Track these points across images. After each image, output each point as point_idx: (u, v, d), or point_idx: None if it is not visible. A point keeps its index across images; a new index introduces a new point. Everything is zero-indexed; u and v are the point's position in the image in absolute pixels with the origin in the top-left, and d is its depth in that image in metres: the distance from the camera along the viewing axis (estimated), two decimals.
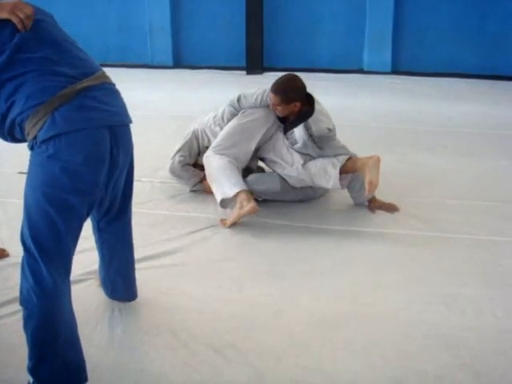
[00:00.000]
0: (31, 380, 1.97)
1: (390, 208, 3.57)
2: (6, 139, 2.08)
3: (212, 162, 3.50)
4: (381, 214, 3.51)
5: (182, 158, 3.81)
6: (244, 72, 7.72)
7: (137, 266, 2.51)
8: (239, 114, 3.63)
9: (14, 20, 1.91)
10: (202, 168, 3.80)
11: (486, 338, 2.39)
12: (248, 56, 7.71)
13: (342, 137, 3.68)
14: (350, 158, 3.45)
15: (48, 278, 1.91)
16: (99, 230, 2.34)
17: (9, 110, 1.92)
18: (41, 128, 1.87)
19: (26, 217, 1.93)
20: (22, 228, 1.95)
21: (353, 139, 3.90)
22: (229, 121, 3.66)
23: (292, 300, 2.63)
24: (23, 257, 1.95)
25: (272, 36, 7.72)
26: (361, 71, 7.58)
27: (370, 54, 7.57)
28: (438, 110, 5.94)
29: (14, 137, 2.03)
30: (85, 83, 1.94)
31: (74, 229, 1.98)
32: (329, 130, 3.53)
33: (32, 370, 1.97)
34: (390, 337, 2.38)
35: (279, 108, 3.50)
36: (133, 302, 2.53)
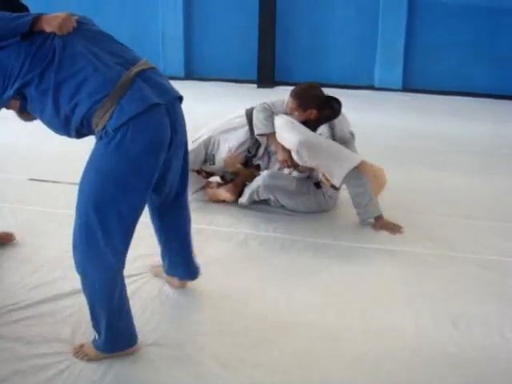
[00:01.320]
0: (96, 335, 2.25)
1: (394, 230, 3.51)
2: (70, 136, 2.22)
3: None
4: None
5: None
6: (255, 85, 7.74)
7: (141, 275, 2.52)
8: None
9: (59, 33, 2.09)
10: (206, 175, 3.85)
11: (494, 358, 2.38)
12: (259, 69, 7.73)
13: None
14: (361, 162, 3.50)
15: (108, 255, 2.12)
16: (160, 215, 2.48)
17: (73, 110, 2.07)
18: (110, 118, 2.03)
19: (90, 198, 2.09)
20: (85, 205, 2.10)
21: (363, 155, 3.90)
22: (262, 120, 3.67)
23: (300, 314, 2.63)
24: (82, 232, 2.12)
25: (284, 50, 7.74)
26: (371, 87, 7.59)
27: (381, 71, 7.58)
28: (449, 128, 5.93)
29: (80, 133, 2.19)
30: (135, 69, 2.11)
31: (135, 210, 2.14)
32: (351, 134, 3.67)
33: (95, 327, 2.24)
34: (398, 353, 2.37)
35: (296, 113, 3.60)
36: (138, 315, 2.51)
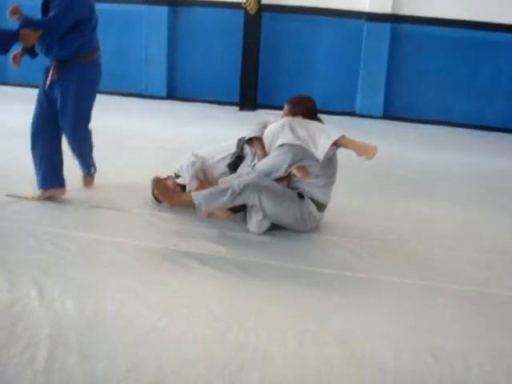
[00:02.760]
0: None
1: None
2: (53, 38, 3.83)
3: None
4: (373, 260, 3.50)
5: (194, 159, 3.98)
6: (237, 108, 7.77)
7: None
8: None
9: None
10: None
11: None
12: (242, 92, 7.77)
13: None
14: (343, 136, 3.61)
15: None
16: None
17: (75, 33, 3.92)
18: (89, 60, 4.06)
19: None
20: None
21: (340, 182, 3.92)
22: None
23: (280, 343, 2.58)
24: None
25: (267, 74, 7.80)
26: (353, 114, 7.66)
27: (363, 98, 7.67)
28: (427, 157, 6.00)
29: (60, 44, 3.90)
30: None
31: None
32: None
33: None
34: None
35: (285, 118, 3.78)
36: (111, 340, 2.48)
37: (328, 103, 7.71)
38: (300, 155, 3.61)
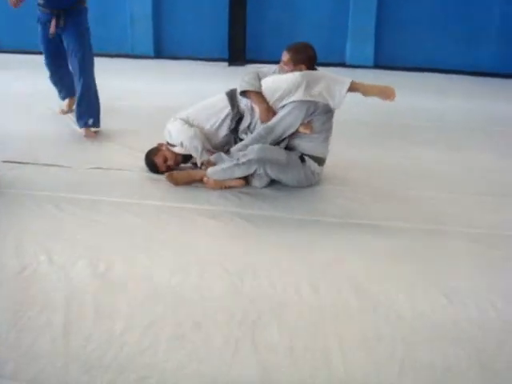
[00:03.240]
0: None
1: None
2: None
3: None
4: (376, 208, 3.50)
5: (192, 131, 3.80)
6: (226, 64, 7.66)
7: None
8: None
9: None
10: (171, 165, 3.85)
11: (489, 329, 2.40)
12: (230, 48, 7.65)
13: None
14: (353, 81, 3.58)
15: None
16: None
17: None
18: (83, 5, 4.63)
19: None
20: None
21: (338, 135, 3.89)
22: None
23: (294, 292, 2.59)
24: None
25: (255, 28, 7.67)
26: (343, 65, 7.58)
27: (353, 48, 7.58)
28: (423, 105, 5.96)
29: None
30: None
31: None
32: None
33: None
34: (396, 329, 2.37)
35: (286, 67, 3.71)
36: (126, 299, 2.50)
37: (318, 55, 7.61)
38: (311, 109, 3.57)
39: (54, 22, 4.50)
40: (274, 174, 3.60)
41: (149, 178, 3.82)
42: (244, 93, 3.75)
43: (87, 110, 4.63)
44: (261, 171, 3.58)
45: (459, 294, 2.63)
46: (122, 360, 2.14)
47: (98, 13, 7.52)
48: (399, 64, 7.45)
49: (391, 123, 5.31)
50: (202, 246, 2.99)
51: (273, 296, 2.56)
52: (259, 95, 3.69)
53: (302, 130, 3.60)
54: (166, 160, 3.81)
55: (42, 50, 4.74)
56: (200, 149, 3.74)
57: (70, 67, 4.68)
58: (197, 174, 3.74)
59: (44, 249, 2.88)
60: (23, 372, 2.09)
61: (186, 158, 3.89)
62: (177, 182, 3.69)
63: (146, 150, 3.93)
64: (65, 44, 4.59)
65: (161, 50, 7.96)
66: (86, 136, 4.61)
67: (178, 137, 3.80)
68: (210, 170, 3.64)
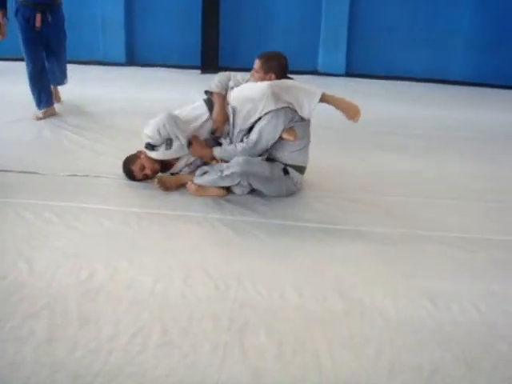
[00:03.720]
0: None
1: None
2: None
3: None
4: (354, 213, 3.53)
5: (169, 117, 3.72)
6: (198, 71, 7.63)
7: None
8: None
9: None
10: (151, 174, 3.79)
11: (474, 331, 2.44)
12: (203, 55, 7.62)
13: None
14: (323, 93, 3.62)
15: None
16: None
17: None
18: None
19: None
20: None
21: (312, 141, 3.90)
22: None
23: (280, 298, 2.60)
24: None
25: (228, 35, 7.66)
26: (315, 72, 7.62)
27: (325, 56, 7.63)
28: (393, 113, 6.01)
29: None
30: None
31: None
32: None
33: None
34: (383, 332, 2.39)
35: (257, 75, 3.70)
36: (111, 306, 2.45)
37: (290, 62, 7.63)
38: (290, 116, 3.59)
39: (39, 17, 4.81)
40: (256, 186, 3.62)
41: (127, 184, 3.78)
42: (209, 93, 3.80)
43: (64, 72, 5.34)
44: (244, 183, 3.59)
45: (442, 296, 2.67)
46: (110, 368, 2.11)
47: (70, 18, 7.43)
48: (370, 72, 7.52)
49: (363, 129, 5.34)
50: (185, 252, 2.97)
51: (259, 301, 2.56)
52: (220, 97, 3.72)
53: (285, 136, 3.60)
54: (143, 168, 3.78)
55: (22, 41, 4.91)
56: (180, 135, 3.68)
57: (53, 49, 5.09)
58: (185, 178, 3.74)
59: (24, 257, 2.83)
60: (8, 383, 2.05)
61: (165, 166, 3.85)
62: (167, 187, 3.68)
63: (124, 157, 3.88)
64: (46, 37, 4.94)
65: (133, 57, 7.89)
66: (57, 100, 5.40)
67: (155, 125, 3.71)
68: (196, 179, 3.64)
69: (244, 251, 3.01)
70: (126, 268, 2.77)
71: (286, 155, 3.66)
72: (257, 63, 3.75)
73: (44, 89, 5.11)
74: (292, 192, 3.72)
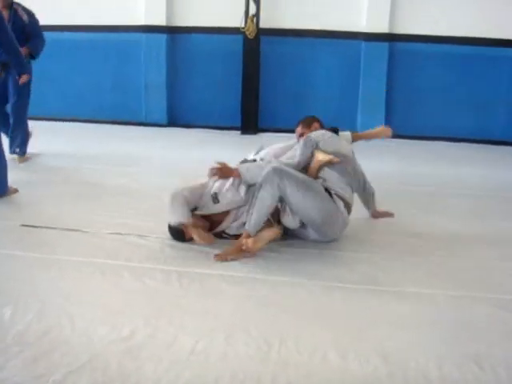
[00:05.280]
0: None
1: (387, 215, 4.40)
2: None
3: None
4: (396, 273, 3.48)
5: (187, 194, 3.76)
6: (239, 132, 7.78)
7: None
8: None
9: None
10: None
11: None
12: (243, 116, 7.79)
13: None
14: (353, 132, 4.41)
15: None
16: None
17: None
18: None
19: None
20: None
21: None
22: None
23: (322, 359, 2.54)
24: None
25: (268, 98, 7.84)
26: None
27: (364, 118, 7.71)
28: (435, 172, 6.01)
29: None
30: None
31: None
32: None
33: None
34: None
35: (304, 134, 4.13)
36: (152, 363, 2.43)
37: (329, 124, 7.76)
38: (313, 143, 3.92)
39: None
40: (290, 189, 3.45)
41: (167, 244, 3.82)
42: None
43: (23, 140, 5.76)
44: (281, 183, 3.45)
45: (490, 360, 2.57)
46: None
47: (114, 81, 7.73)
48: (410, 133, 7.55)
49: (402, 189, 5.34)
50: (226, 311, 2.96)
51: (301, 363, 2.51)
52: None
53: (320, 157, 3.79)
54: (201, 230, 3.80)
55: None
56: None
57: (13, 101, 5.59)
58: (238, 243, 3.60)
59: (66, 313, 2.85)
60: None
61: (212, 224, 3.89)
62: (226, 259, 3.57)
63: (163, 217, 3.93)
64: (10, 85, 5.50)
65: (173, 119, 8.10)
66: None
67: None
68: (246, 227, 3.57)
69: (286, 312, 2.98)
70: (167, 327, 2.77)
71: (329, 184, 3.74)
72: (299, 129, 4.26)
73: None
74: (335, 222, 3.72)
